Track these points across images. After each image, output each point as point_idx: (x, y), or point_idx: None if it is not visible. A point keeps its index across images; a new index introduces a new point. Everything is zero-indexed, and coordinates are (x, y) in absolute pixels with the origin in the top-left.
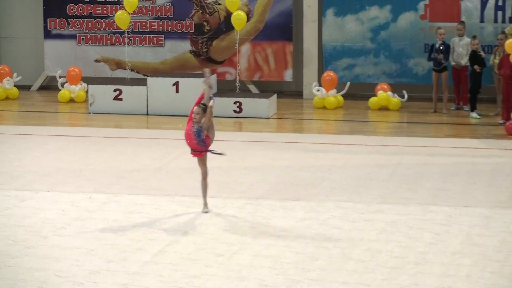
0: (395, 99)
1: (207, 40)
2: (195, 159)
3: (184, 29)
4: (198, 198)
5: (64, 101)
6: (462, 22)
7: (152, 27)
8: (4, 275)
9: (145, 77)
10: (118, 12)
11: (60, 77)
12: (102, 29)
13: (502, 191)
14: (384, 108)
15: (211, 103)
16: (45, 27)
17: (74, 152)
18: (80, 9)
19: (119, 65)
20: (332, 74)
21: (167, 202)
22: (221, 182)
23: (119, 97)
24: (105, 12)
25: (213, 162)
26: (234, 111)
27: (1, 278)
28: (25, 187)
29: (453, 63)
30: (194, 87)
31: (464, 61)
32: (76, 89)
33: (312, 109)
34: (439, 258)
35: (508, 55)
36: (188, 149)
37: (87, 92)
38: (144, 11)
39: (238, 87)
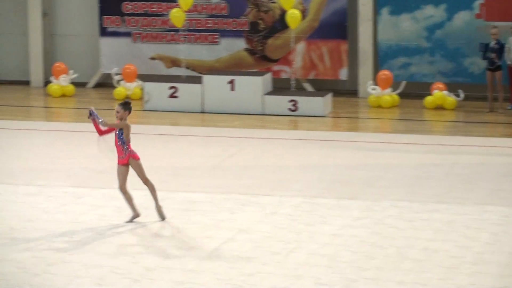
0: (450, 98)
1: (262, 38)
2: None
3: (239, 27)
4: (254, 196)
5: (120, 98)
6: None
7: (208, 25)
8: (61, 271)
9: (201, 75)
10: (174, 10)
11: (115, 74)
12: (157, 26)
13: None
14: (439, 107)
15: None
16: (101, 24)
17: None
18: (136, 6)
19: (174, 62)
20: (387, 73)
21: (223, 200)
22: (277, 181)
23: (175, 94)
24: (160, 9)
25: (267, 161)
26: (289, 109)
27: (59, 274)
28: (82, 184)
29: (508, 62)
30: (249, 85)
31: None
32: (131, 87)
33: (367, 108)
34: (496, 258)
35: None
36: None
37: (142, 89)
38: (199, 9)
39: (293, 85)
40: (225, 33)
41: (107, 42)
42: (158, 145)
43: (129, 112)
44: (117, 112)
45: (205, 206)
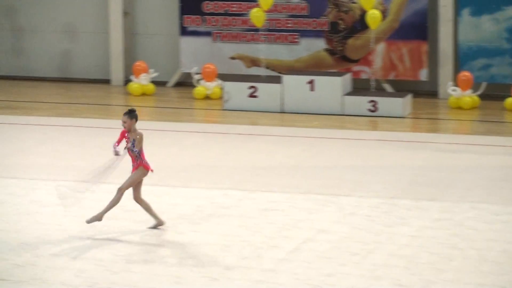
0: None
1: (342, 39)
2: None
3: (319, 27)
4: (333, 197)
5: (200, 97)
6: None
7: (287, 25)
8: (140, 270)
9: (280, 74)
10: (254, 10)
11: (195, 73)
12: (237, 26)
13: None
14: None
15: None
16: (181, 24)
17: (209, 149)
18: (216, 6)
19: (254, 62)
20: (467, 74)
21: (302, 200)
22: (356, 181)
23: (254, 94)
24: (240, 9)
25: (346, 161)
26: (369, 110)
27: (138, 273)
28: (161, 183)
29: None
30: (329, 85)
31: None
32: (211, 86)
33: (447, 109)
34: None
35: None
36: None
37: (222, 89)
38: (280, 8)
39: (373, 86)
40: (305, 33)
41: (187, 42)
42: (237, 144)
43: (136, 120)
44: (124, 122)
45: (284, 206)
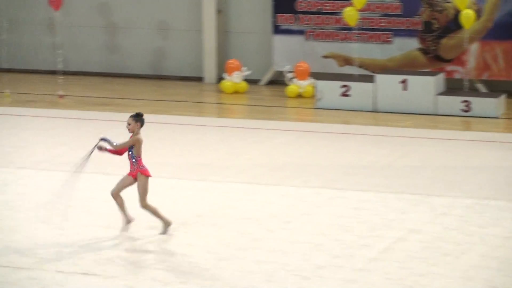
0: None
1: (436, 38)
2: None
3: (412, 27)
4: (425, 197)
5: (292, 96)
6: None
7: (381, 24)
8: (233, 267)
9: (373, 73)
10: (347, 9)
11: (288, 72)
12: (330, 25)
13: None
14: None
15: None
16: (274, 22)
17: (301, 147)
18: (309, 5)
19: (347, 61)
20: None
21: (393, 200)
22: (448, 181)
23: (347, 93)
24: (334, 8)
25: (439, 161)
26: (462, 110)
27: (230, 270)
28: (253, 180)
29: None
30: (422, 85)
31: None
32: (304, 84)
33: None
34: None
35: None
36: None
37: (315, 87)
38: (373, 8)
39: (466, 86)
40: (398, 33)
41: (280, 40)
42: (329, 143)
43: (141, 125)
44: (128, 124)
45: (375, 205)
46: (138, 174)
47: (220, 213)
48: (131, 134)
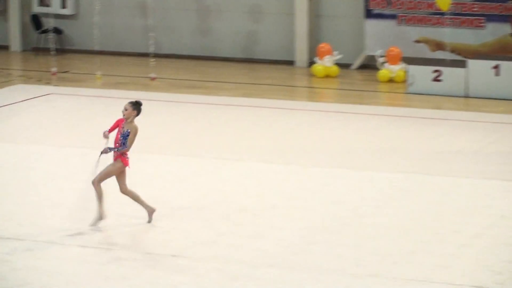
0: None
1: None
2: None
3: (505, 12)
4: None
5: (384, 80)
6: None
7: (473, 9)
8: (322, 250)
9: (465, 59)
10: None
11: (380, 56)
12: (423, 9)
13: None
14: None
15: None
16: (366, 6)
17: (392, 132)
18: None
19: (439, 46)
20: None
21: (483, 186)
22: None
23: (438, 78)
24: None
25: None
26: None
27: (319, 253)
28: (344, 165)
29: None
30: None
31: None
32: (395, 69)
33: None
34: None
35: None
36: None
37: (406, 72)
38: None
39: None
40: (491, 18)
41: (372, 24)
42: (420, 128)
43: (137, 114)
44: (125, 109)
45: (465, 191)
46: (117, 159)
47: (311, 197)
48: (125, 119)
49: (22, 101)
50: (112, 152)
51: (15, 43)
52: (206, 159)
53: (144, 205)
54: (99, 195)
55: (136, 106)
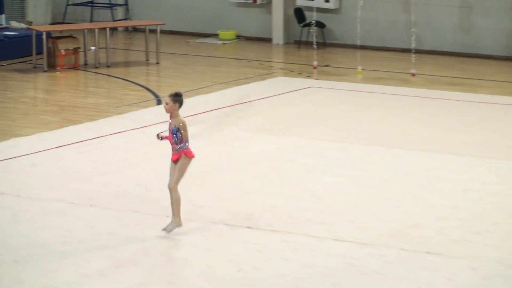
0: None
1: None
2: None
3: None
4: None
5: None
6: None
7: None
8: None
9: None
10: None
11: None
12: None
13: None
14: None
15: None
16: None
17: None
18: None
19: None
20: None
21: None
22: None
23: None
24: None
25: None
26: None
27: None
28: None
29: None
30: None
31: None
32: None
33: None
34: None
35: None
36: None
37: None
38: None
39: None
40: None
41: None
42: None
43: (180, 105)
44: (166, 103)
45: None
46: (182, 156)
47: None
48: (169, 114)
49: (283, 93)
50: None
51: (278, 36)
52: (461, 156)
53: (176, 213)
54: (177, 200)
55: (177, 97)
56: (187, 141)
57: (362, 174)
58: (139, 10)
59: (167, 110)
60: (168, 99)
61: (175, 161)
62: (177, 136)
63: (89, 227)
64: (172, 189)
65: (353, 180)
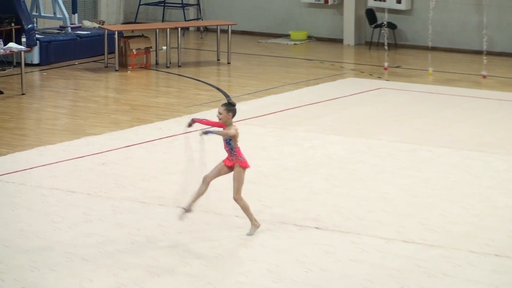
0: None
1: None
2: None
3: None
4: None
5: None
6: None
7: None
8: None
9: None
10: None
11: None
12: None
13: None
14: None
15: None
16: None
17: None
18: None
19: None
20: None
21: None
22: None
23: None
24: None
25: None
26: None
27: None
28: None
29: None
30: None
31: None
32: None
33: None
34: None
35: None
36: None
37: None
38: None
39: None
40: None
41: None
42: None
43: (233, 115)
44: (219, 113)
45: None
46: (236, 165)
47: None
48: (223, 123)
49: (353, 94)
50: (228, 155)
51: (349, 36)
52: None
53: (250, 218)
54: (244, 208)
55: (230, 107)
56: (237, 147)
57: (432, 176)
58: (211, 10)
59: (220, 120)
60: (221, 109)
61: (228, 166)
62: (231, 144)
63: (158, 226)
64: (237, 199)
65: (422, 181)
